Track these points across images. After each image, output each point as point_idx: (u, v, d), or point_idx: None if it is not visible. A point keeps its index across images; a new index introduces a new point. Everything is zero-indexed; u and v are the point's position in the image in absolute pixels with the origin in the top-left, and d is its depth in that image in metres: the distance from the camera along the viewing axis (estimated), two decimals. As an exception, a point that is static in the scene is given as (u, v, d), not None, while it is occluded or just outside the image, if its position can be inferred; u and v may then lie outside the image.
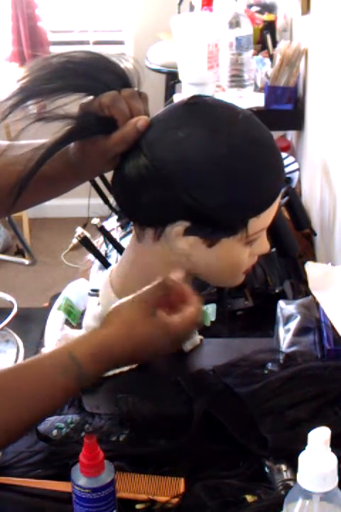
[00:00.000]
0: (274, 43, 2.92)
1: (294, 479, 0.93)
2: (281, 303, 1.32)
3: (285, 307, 1.30)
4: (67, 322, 1.28)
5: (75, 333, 1.23)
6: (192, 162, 0.99)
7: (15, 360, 2.81)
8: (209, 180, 0.99)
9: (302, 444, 0.74)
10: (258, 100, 2.59)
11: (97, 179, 1.57)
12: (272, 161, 1.04)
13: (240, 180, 1.00)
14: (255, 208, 1.02)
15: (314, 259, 2.12)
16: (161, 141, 1.01)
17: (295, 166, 2.31)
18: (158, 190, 1.00)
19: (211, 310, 1.26)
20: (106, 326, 0.96)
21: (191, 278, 1.11)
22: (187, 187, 0.99)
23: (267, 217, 1.05)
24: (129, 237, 1.19)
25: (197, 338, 1.28)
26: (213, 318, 1.26)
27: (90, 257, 1.62)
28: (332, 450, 0.74)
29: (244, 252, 1.06)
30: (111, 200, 1.68)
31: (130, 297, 0.98)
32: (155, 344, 0.97)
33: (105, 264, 1.48)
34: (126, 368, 1.16)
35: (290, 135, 3.07)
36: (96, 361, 0.94)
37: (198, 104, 1.03)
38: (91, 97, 1.03)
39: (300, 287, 1.69)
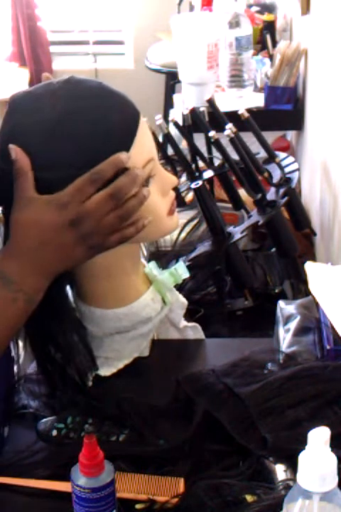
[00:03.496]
0: (274, 43, 2.92)
1: (294, 479, 0.93)
2: (281, 303, 1.32)
3: (285, 307, 1.30)
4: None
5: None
6: (32, 142, 0.99)
7: (16, 360, 2.80)
8: (52, 149, 0.99)
9: (302, 444, 0.74)
10: (257, 100, 2.59)
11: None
12: (107, 98, 1.02)
13: (80, 134, 0.99)
14: (113, 147, 1.00)
15: (314, 259, 2.12)
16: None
17: (295, 166, 2.31)
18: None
19: (181, 266, 1.22)
20: None
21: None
22: (37, 165, 0.99)
23: (141, 147, 1.03)
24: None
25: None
26: (186, 276, 1.23)
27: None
28: (332, 450, 0.74)
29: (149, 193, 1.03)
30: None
31: None
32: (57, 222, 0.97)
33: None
34: (122, 366, 1.16)
35: (290, 135, 3.07)
36: (6, 256, 0.99)
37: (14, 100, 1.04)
38: None
39: (300, 287, 1.69)
